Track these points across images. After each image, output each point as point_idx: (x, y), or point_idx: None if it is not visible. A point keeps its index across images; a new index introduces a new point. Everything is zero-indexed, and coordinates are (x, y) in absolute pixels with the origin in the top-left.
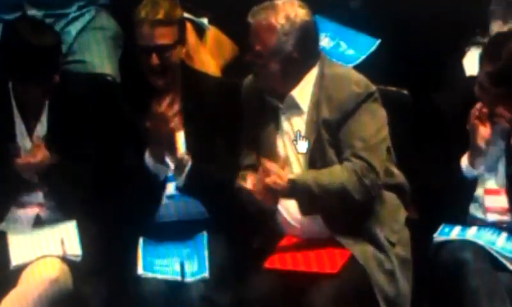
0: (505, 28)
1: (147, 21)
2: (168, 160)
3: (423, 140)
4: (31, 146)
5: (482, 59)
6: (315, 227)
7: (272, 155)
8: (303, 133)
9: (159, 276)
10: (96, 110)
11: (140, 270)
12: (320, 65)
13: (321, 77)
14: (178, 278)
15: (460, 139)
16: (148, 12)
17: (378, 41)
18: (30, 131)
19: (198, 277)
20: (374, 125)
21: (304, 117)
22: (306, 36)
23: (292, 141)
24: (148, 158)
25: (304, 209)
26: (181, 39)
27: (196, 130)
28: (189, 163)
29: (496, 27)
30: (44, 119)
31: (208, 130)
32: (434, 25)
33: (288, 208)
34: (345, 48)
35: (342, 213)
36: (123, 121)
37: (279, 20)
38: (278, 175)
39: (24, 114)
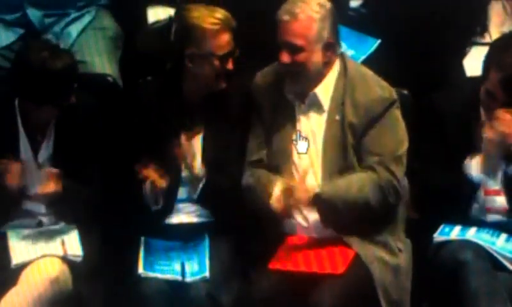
0: (504, 29)
1: (225, 27)
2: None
3: (423, 140)
4: (43, 174)
5: (489, 65)
6: (323, 227)
7: (287, 153)
8: (321, 132)
9: (160, 276)
10: (103, 123)
11: (140, 270)
12: (341, 62)
13: (344, 75)
14: (179, 278)
15: (460, 139)
16: (224, 18)
17: (378, 41)
18: (35, 148)
19: (198, 277)
20: (399, 134)
21: (324, 116)
22: (335, 19)
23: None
24: (145, 187)
25: (326, 221)
26: None
27: (215, 133)
28: (204, 179)
29: (496, 28)
30: (51, 137)
31: (227, 131)
32: (434, 26)
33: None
34: (345, 48)
35: (358, 221)
36: (129, 130)
37: (314, 9)
38: (304, 189)
39: (29, 131)
